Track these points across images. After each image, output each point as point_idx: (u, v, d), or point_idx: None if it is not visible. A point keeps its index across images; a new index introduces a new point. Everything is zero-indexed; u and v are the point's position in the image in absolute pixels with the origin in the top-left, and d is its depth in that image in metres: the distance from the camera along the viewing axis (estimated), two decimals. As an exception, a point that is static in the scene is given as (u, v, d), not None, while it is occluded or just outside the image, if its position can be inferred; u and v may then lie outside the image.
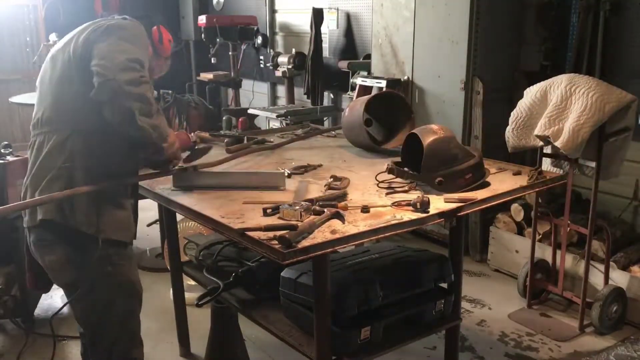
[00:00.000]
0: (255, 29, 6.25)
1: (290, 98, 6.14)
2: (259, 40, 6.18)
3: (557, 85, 3.24)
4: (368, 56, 5.13)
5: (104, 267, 2.09)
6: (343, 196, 2.24)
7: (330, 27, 5.85)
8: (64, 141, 2.05)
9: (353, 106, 3.08)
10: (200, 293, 2.62)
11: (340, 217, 2.01)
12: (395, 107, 3.14)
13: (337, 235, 1.86)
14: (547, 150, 3.37)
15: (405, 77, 4.60)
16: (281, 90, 6.75)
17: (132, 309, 2.24)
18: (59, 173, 2.03)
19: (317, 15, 5.69)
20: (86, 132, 2.06)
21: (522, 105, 3.36)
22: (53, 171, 2.04)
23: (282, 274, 2.35)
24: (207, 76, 6.84)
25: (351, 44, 5.76)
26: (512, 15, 4.32)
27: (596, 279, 3.50)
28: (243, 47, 6.39)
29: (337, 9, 5.77)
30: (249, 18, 6.45)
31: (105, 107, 1.96)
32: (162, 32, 2.37)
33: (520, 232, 4.05)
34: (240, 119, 5.64)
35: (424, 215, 2.08)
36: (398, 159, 2.54)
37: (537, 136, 3.23)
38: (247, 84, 6.88)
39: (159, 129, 2.06)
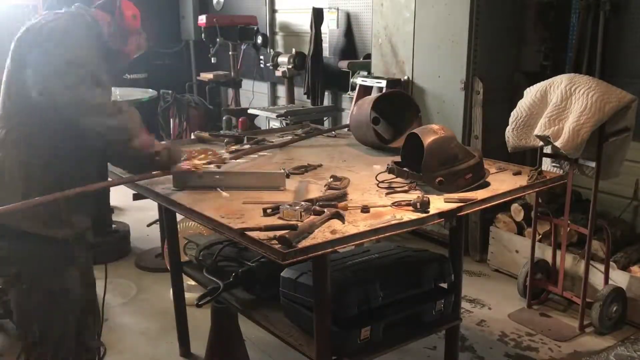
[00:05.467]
0: (255, 28, 6.25)
1: (290, 98, 6.14)
2: (259, 40, 6.18)
3: (557, 85, 3.24)
4: (368, 56, 5.13)
5: (28, 263, 2.09)
6: (343, 196, 2.24)
7: (330, 27, 5.84)
8: (4, 136, 2.06)
9: (361, 104, 3.08)
10: (200, 293, 2.62)
11: (340, 217, 2.01)
12: (402, 106, 3.15)
13: (337, 235, 1.86)
14: (547, 150, 3.37)
15: (405, 77, 4.60)
16: (281, 90, 6.75)
17: (51, 313, 2.15)
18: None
19: (317, 15, 5.69)
20: (26, 136, 2.06)
21: (522, 105, 3.36)
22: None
23: (282, 274, 2.35)
24: (207, 76, 6.84)
25: (351, 44, 5.76)
26: (512, 15, 4.32)
27: (596, 279, 3.50)
28: (243, 47, 6.39)
29: (337, 9, 5.77)
30: (249, 18, 6.45)
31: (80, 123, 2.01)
32: (123, 9, 2.24)
33: (520, 232, 4.05)
34: (240, 119, 5.65)
35: (424, 215, 2.08)
36: (398, 158, 2.54)
37: (537, 136, 3.23)
38: (247, 84, 6.88)
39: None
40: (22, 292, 2.12)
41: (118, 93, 4.75)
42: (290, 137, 3.32)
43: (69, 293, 2.17)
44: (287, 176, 2.53)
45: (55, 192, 1.99)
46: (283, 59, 6.03)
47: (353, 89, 5.15)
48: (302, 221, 1.94)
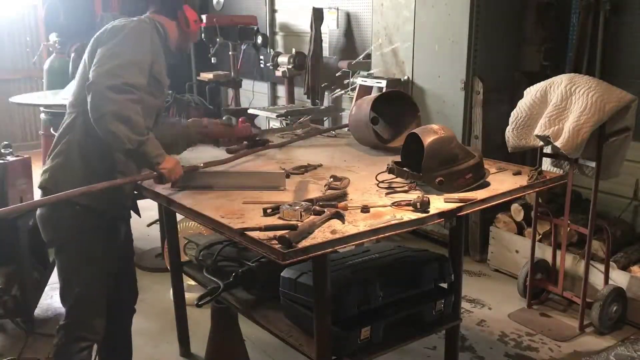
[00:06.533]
0: (255, 28, 6.25)
1: (290, 98, 6.13)
2: (259, 40, 6.18)
3: (557, 85, 3.24)
4: (368, 56, 5.13)
5: (72, 232, 2.31)
6: (343, 196, 2.24)
7: (330, 27, 5.84)
8: (73, 120, 2.32)
9: (360, 104, 3.08)
10: (200, 293, 2.62)
11: (340, 217, 2.01)
12: (401, 105, 3.15)
13: (337, 235, 1.87)
14: (547, 150, 3.37)
15: (405, 77, 4.60)
16: (281, 90, 6.75)
17: (90, 276, 2.35)
18: (62, 147, 2.30)
19: (317, 15, 5.68)
20: (88, 125, 2.23)
21: (522, 105, 3.36)
22: (59, 146, 2.31)
23: (282, 274, 2.35)
24: (207, 76, 6.84)
25: (351, 44, 5.76)
26: (512, 15, 4.32)
27: (596, 279, 3.50)
28: (243, 47, 6.38)
29: (337, 9, 5.76)
30: (249, 18, 6.44)
31: (89, 106, 2.13)
32: (187, 15, 2.50)
33: (520, 232, 4.05)
34: (240, 119, 5.64)
35: (424, 215, 2.08)
36: (398, 158, 2.54)
37: (537, 136, 3.23)
38: (247, 84, 6.87)
39: (142, 146, 2.17)
40: (67, 257, 2.35)
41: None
42: (290, 137, 3.32)
43: (107, 259, 2.39)
44: (287, 176, 2.53)
45: (104, 182, 2.22)
46: (283, 59, 6.02)
47: (353, 89, 5.15)
48: (302, 221, 1.94)
